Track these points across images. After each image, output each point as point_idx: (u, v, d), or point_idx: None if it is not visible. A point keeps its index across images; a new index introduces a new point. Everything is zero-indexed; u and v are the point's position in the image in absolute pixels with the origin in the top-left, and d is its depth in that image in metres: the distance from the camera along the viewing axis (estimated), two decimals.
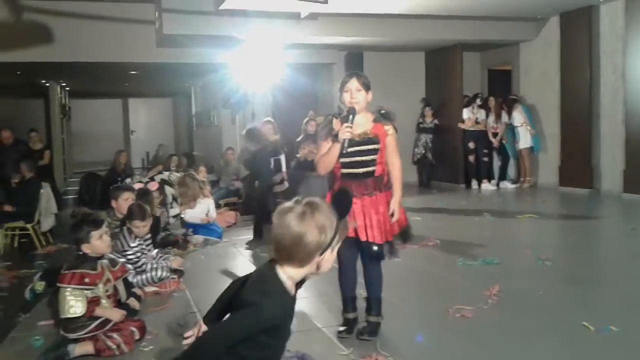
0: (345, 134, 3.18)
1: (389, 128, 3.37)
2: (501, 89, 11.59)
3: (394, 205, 3.37)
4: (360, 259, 3.44)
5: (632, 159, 8.78)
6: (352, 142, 3.24)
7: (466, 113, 10.87)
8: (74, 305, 3.38)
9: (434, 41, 10.97)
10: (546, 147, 10.52)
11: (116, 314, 3.57)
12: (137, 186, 6.38)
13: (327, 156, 3.28)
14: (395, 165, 3.43)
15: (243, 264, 5.86)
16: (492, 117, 10.79)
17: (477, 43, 11.24)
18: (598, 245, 5.94)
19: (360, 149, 3.28)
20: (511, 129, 10.66)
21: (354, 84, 3.29)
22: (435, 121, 11.39)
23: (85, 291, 3.43)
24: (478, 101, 10.85)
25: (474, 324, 3.70)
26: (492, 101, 10.93)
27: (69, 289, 3.40)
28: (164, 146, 13.32)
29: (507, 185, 10.71)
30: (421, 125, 11.40)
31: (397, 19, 9.66)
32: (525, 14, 10.02)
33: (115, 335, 3.45)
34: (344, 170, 3.31)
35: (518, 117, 10.45)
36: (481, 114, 10.83)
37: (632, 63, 8.73)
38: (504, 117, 10.76)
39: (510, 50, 11.45)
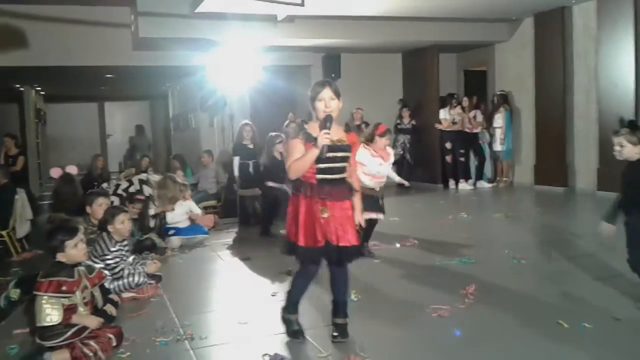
0: (324, 140, 3.19)
1: (359, 139, 3.53)
2: (477, 90, 11.72)
3: (358, 214, 3.46)
4: (329, 266, 3.45)
5: (606, 157, 8.92)
6: (330, 148, 3.27)
7: (442, 114, 10.96)
8: (50, 313, 3.35)
9: (411, 43, 11.05)
10: (520, 147, 10.66)
11: (93, 322, 3.54)
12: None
13: (302, 161, 3.26)
14: (356, 175, 3.57)
15: (223, 268, 5.84)
16: (467, 117, 10.87)
17: (453, 44, 11.36)
18: (573, 243, 6.03)
19: (337, 155, 3.31)
20: (492, 129, 10.76)
21: (327, 93, 3.31)
22: (413, 122, 11.46)
23: (62, 299, 3.40)
24: (454, 102, 10.93)
25: (450, 323, 3.74)
26: (466, 101, 11.04)
27: (45, 297, 3.36)
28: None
29: (484, 184, 10.83)
30: (399, 126, 11.46)
31: (374, 21, 9.72)
32: (500, 15, 10.16)
33: (92, 342, 3.41)
34: (320, 176, 3.30)
35: (499, 120, 10.55)
36: (458, 114, 10.91)
37: (604, 63, 8.88)
38: (479, 116, 10.86)
39: (485, 51, 11.59)
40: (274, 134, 7.26)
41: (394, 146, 11.32)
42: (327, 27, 9.73)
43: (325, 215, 3.27)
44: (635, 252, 3.86)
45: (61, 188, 7.56)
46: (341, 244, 3.31)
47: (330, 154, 3.27)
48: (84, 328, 3.46)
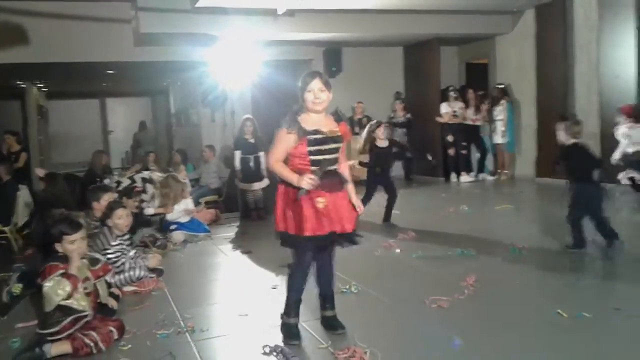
0: (307, 184, 3.16)
1: (350, 129, 3.48)
2: (479, 82, 11.69)
3: (355, 199, 3.44)
4: (316, 258, 3.42)
5: (607, 149, 8.91)
6: (323, 140, 3.26)
7: (444, 107, 10.93)
8: (61, 288, 3.36)
9: (412, 36, 11.03)
10: (521, 139, 10.63)
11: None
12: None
13: (280, 173, 3.29)
14: (346, 163, 3.53)
15: (224, 261, 5.85)
16: (471, 110, 10.85)
17: (454, 37, 11.33)
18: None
19: (331, 146, 3.29)
20: (492, 122, 10.74)
21: (317, 84, 3.27)
22: (408, 115, 11.36)
23: (63, 277, 3.41)
24: (452, 94, 10.88)
25: (450, 314, 3.75)
26: (470, 94, 11.00)
27: (48, 284, 3.38)
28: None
29: (485, 177, 10.81)
30: (393, 120, 11.31)
31: (375, 14, 9.70)
32: (501, 7, 10.13)
33: (92, 333, 3.43)
34: (315, 168, 3.27)
35: (500, 112, 10.52)
36: (458, 107, 10.87)
37: (606, 54, 8.85)
38: (483, 108, 10.84)
39: (486, 43, 11.55)
40: (373, 122, 7.07)
41: None
42: (328, 21, 9.71)
43: (321, 205, 3.24)
44: (573, 211, 5.16)
45: (46, 188, 7.57)
46: (340, 231, 3.31)
47: (324, 147, 3.26)
48: (81, 318, 3.48)
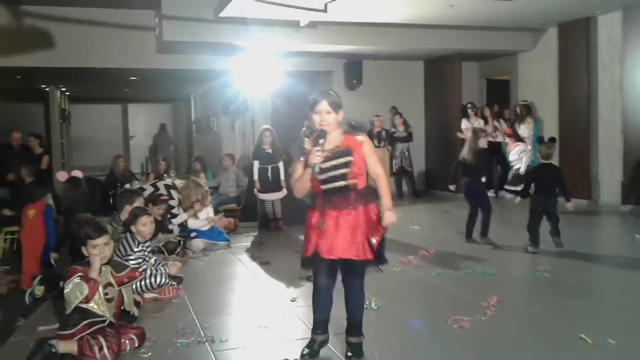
0: (315, 158, 3.11)
1: (360, 138, 3.27)
2: (500, 99, 11.65)
3: (386, 209, 3.22)
4: (342, 280, 3.32)
5: (631, 170, 8.83)
6: (325, 158, 3.19)
7: (464, 123, 10.89)
8: (79, 290, 3.39)
9: (433, 50, 11.03)
10: None
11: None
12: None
13: (301, 181, 3.23)
14: (380, 174, 3.31)
15: (243, 271, 5.86)
16: (489, 126, 10.80)
17: (475, 53, 11.31)
18: (596, 257, 5.95)
19: (335, 163, 3.20)
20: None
21: (324, 106, 3.19)
22: (410, 130, 11.31)
23: (83, 280, 3.44)
24: (470, 111, 10.86)
25: (471, 335, 3.72)
26: (486, 111, 10.98)
27: (69, 285, 3.41)
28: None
29: (505, 195, 10.73)
30: (395, 135, 11.27)
31: (397, 28, 9.72)
32: (524, 24, 10.10)
33: (100, 337, 3.42)
34: (324, 187, 3.23)
35: (526, 130, 10.45)
36: (479, 124, 10.83)
37: (630, 74, 8.78)
38: (503, 124, 10.79)
39: (508, 60, 11.52)
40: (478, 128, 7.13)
41: (392, 156, 11.16)
42: (350, 34, 9.75)
43: (322, 227, 3.17)
44: (533, 218, 6.13)
45: (66, 192, 7.65)
46: (345, 256, 3.16)
47: (328, 164, 3.17)
48: (96, 322, 3.49)
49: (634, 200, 8.68)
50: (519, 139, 10.31)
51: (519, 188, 9.18)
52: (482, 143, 6.68)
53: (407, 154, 11.30)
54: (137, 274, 3.99)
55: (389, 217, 3.19)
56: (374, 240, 3.21)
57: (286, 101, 11.26)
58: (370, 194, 3.28)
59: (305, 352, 3.37)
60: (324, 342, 3.41)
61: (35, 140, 9.88)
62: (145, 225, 4.77)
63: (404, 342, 3.68)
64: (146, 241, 4.86)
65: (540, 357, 3.38)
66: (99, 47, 9.45)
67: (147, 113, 19.88)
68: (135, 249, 4.70)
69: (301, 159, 3.25)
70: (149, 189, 6.91)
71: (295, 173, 3.31)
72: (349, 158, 3.21)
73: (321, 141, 3.14)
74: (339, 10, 7.99)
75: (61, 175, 7.34)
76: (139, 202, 5.43)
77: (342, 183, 3.20)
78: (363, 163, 3.25)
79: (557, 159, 10.10)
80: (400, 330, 3.90)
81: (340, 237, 3.16)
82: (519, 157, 9.95)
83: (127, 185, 8.57)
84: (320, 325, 3.37)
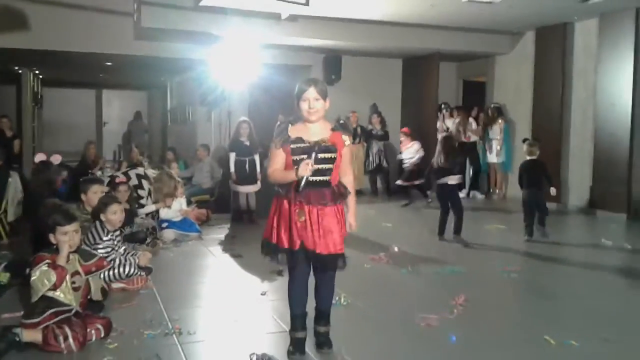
0: (305, 171, 3.09)
1: (346, 139, 3.29)
2: (475, 100, 11.77)
3: (352, 217, 3.33)
4: (313, 271, 3.33)
5: (599, 175, 9.00)
6: (307, 149, 3.18)
7: (438, 123, 11.00)
8: (47, 278, 3.34)
9: (412, 49, 11.07)
10: (515, 159, 10.68)
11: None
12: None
13: (280, 177, 3.24)
14: (350, 177, 3.37)
15: (214, 263, 5.84)
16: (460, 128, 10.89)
17: (454, 53, 11.39)
18: (563, 259, 6.06)
19: (321, 156, 3.17)
20: (487, 140, 10.81)
21: (311, 93, 3.19)
22: (386, 129, 11.35)
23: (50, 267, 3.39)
24: (444, 111, 10.97)
25: (438, 332, 3.76)
26: (455, 112, 11.08)
27: (37, 272, 3.36)
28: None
29: (477, 195, 10.86)
30: (372, 133, 11.21)
31: (377, 25, 9.73)
32: (502, 27, 10.21)
33: (66, 327, 3.38)
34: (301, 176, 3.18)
35: (496, 132, 10.60)
36: (451, 124, 10.93)
37: (603, 81, 8.94)
38: (473, 124, 10.91)
39: (485, 62, 11.64)
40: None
41: (367, 154, 11.13)
42: (330, 28, 9.74)
43: (302, 219, 3.17)
44: (526, 210, 6.87)
45: (33, 174, 7.53)
46: (318, 250, 3.18)
47: (307, 156, 3.15)
48: (62, 312, 3.46)
49: (602, 204, 8.86)
50: (414, 138, 10.40)
51: (415, 182, 9.82)
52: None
53: (383, 152, 11.32)
54: (105, 263, 3.96)
55: (352, 225, 3.34)
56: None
57: (264, 93, 11.21)
58: (341, 194, 3.29)
59: (291, 349, 3.35)
60: (305, 339, 3.39)
61: (8, 122, 9.70)
62: (115, 214, 4.71)
63: (372, 338, 3.70)
64: (115, 230, 4.80)
65: (504, 356, 3.43)
66: (75, 31, 9.27)
67: (121, 100, 19.62)
68: (105, 238, 4.64)
69: (279, 146, 3.24)
70: (121, 177, 6.82)
71: (274, 159, 3.28)
72: (334, 154, 3.22)
73: (314, 155, 3.12)
74: (321, 5, 8.00)
75: (38, 157, 7.19)
76: (96, 189, 5.34)
77: (324, 178, 3.20)
78: (340, 162, 3.28)
79: None
80: (368, 326, 3.92)
81: (315, 231, 3.17)
82: (413, 155, 10.09)
83: (99, 173, 8.49)
84: (298, 320, 3.36)
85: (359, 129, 11.01)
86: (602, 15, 8.86)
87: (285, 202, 3.23)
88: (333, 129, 3.29)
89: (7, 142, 9.14)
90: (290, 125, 3.29)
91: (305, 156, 3.15)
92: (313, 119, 3.24)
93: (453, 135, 7.31)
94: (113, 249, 4.69)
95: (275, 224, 3.26)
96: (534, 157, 6.87)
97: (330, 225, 3.20)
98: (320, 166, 3.17)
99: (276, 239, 3.23)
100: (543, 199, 6.82)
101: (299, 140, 3.22)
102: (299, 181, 3.13)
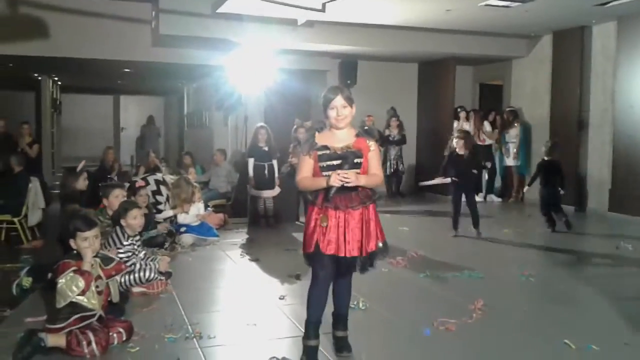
0: (336, 181, 3.12)
1: (371, 144, 3.31)
2: (492, 104, 11.73)
3: (358, 177, 3.19)
4: (336, 275, 3.34)
5: (618, 178, 8.92)
6: (334, 156, 3.22)
7: (454, 126, 10.97)
8: (75, 284, 3.39)
9: (428, 53, 11.07)
10: (533, 163, 10.60)
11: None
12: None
13: (310, 185, 3.27)
14: (378, 174, 3.33)
15: (232, 267, 5.87)
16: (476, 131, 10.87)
17: (470, 57, 11.37)
18: (582, 263, 6.03)
19: (341, 162, 3.21)
20: (503, 144, 10.77)
21: (339, 100, 3.23)
22: (403, 132, 11.36)
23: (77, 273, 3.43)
24: (461, 113, 10.97)
25: (457, 337, 3.75)
26: (471, 116, 11.06)
27: (63, 279, 3.41)
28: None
29: (493, 198, 10.81)
30: (390, 138, 11.25)
31: (393, 30, 9.75)
32: (519, 31, 10.16)
33: (89, 332, 3.43)
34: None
35: (513, 135, 10.56)
36: (467, 127, 10.89)
37: (622, 84, 8.87)
38: (487, 126, 10.88)
39: (502, 66, 11.60)
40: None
41: (385, 160, 11.14)
42: (346, 34, 9.77)
43: (325, 224, 3.19)
44: (544, 206, 7.55)
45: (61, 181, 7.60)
46: (341, 254, 3.20)
47: (336, 162, 3.20)
48: (87, 317, 3.50)
49: (621, 208, 8.77)
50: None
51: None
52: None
53: (400, 156, 11.35)
54: (123, 266, 4.01)
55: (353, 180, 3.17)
56: (379, 244, 3.31)
57: (280, 98, 11.25)
58: (368, 196, 3.30)
59: (304, 359, 3.34)
60: (318, 348, 3.38)
61: (27, 128, 9.83)
62: (135, 219, 4.76)
63: (391, 342, 3.71)
64: (136, 235, 4.86)
65: None
66: (94, 38, 9.40)
67: (139, 105, 19.78)
68: (125, 243, 4.70)
69: (310, 153, 3.26)
70: (140, 182, 6.89)
71: (302, 167, 3.30)
72: (360, 160, 3.25)
73: (347, 166, 3.16)
74: (337, 10, 8.01)
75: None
76: (117, 194, 5.42)
77: (350, 184, 3.18)
78: (367, 167, 3.29)
79: None
80: (387, 331, 3.93)
81: (340, 235, 3.20)
82: None
83: (116, 178, 8.58)
84: (313, 328, 3.34)
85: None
86: (620, 18, 8.80)
87: (314, 209, 3.27)
88: (357, 135, 3.32)
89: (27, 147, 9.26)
90: (317, 132, 3.33)
91: (332, 162, 3.20)
92: (341, 126, 3.28)
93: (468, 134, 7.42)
94: (133, 253, 4.75)
95: (306, 231, 3.30)
96: (550, 157, 7.40)
97: (357, 229, 3.22)
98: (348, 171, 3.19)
99: (308, 246, 3.25)
100: (557, 197, 7.36)
101: (326, 147, 3.26)
102: (328, 190, 3.16)
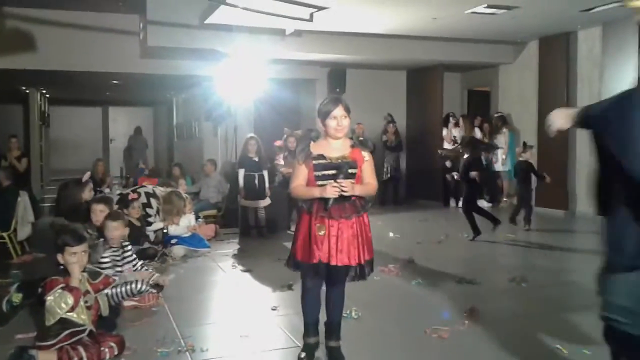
0: (332, 193, 3.15)
1: (366, 154, 3.34)
2: (480, 110, 11.82)
3: (357, 187, 3.24)
4: (325, 283, 3.38)
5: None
6: (329, 165, 3.24)
7: (444, 133, 11.03)
8: (64, 301, 3.37)
9: (416, 61, 11.14)
10: None
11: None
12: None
13: (303, 193, 3.29)
14: (372, 183, 3.36)
15: (223, 279, 5.85)
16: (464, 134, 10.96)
17: (457, 64, 11.45)
18: (572, 268, 6.06)
19: (337, 172, 3.22)
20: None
21: (339, 111, 3.26)
22: (400, 139, 11.42)
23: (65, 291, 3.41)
24: (452, 119, 11.05)
25: (449, 344, 3.76)
26: (460, 121, 11.14)
27: (50, 297, 3.38)
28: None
29: (484, 204, 10.83)
30: (387, 144, 11.32)
31: (380, 38, 9.81)
32: (505, 37, 10.25)
33: (80, 348, 3.40)
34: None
35: (501, 140, 10.65)
36: (458, 133, 10.98)
37: (609, 89, 8.93)
38: (478, 133, 10.95)
39: (489, 72, 11.68)
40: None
41: (382, 165, 11.15)
42: (334, 43, 9.82)
43: (322, 233, 3.21)
44: (521, 202, 8.44)
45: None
46: (333, 263, 3.20)
47: (330, 172, 3.22)
48: (77, 332, 3.47)
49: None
50: None
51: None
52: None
53: (397, 162, 11.41)
54: (110, 280, 3.99)
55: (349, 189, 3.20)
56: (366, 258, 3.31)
57: (269, 108, 11.27)
58: (362, 206, 3.31)
59: (302, 356, 3.42)
60: (317, 345, 3.47)
61: (15, 142, 9.78)
62: (116, 230, 4.75)
63: (384, 351, 3.71)
64: (122, 246, 4.83)
65: None
66: (82, 51, 9.39)
67: (127, 116, 19.73)
68: (103, 254, 4.68)
69: (302, 162, 3.29)
70: (132, 194, 6.86)
71: (298, 175, 3.33)
72: (354, 170, 3.27)
73: (342, 176, 3.17)
74: (325, 20, 8.06)
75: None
76: (101, 208, 5.40)
77: (345, 193, 3.20)
78: (361, 177, 3.32)
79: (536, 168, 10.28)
80: (379, 339, 3.92)
81: (332, 244, 3.21)
82: None
83: (107, 190, 8.54)
84: (311, 328, 3.45)
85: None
86: (605, 24, 8.90)
87: (307, 217, 3.28)
88: (352, 146, 3.35)
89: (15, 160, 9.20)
90: (312, 141, 3.34)
91: (327, 172, 3.22)
92: (340, 136, 3.31)
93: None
94: (115, 265, 4.72)
95: (297, 238, 3.33)
96: (523, 159, 8.22)
97: (351, 238, 3.24)
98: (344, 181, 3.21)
99: (298, 254, 3.29)
100: (529, 195, 8.41)
101: (322, 156, 3.28)
102: (326, 201, 3.18)
